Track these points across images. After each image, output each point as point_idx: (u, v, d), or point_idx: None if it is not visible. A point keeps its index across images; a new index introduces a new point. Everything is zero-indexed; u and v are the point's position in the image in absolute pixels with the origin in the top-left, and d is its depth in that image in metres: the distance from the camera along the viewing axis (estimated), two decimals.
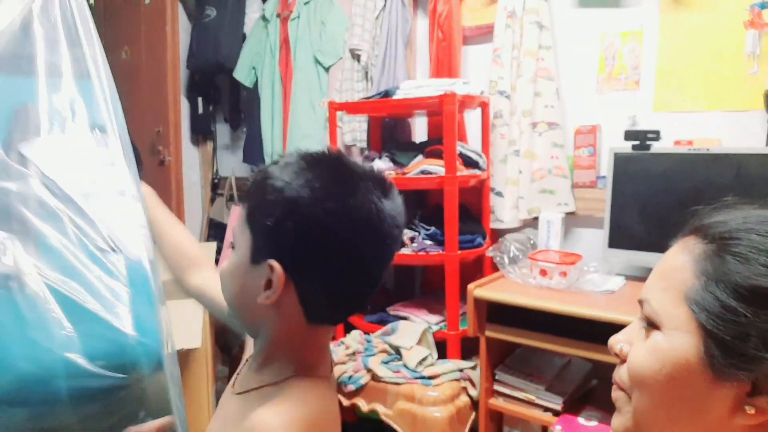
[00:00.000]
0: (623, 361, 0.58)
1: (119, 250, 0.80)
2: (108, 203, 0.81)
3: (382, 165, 2.15)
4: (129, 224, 0.80)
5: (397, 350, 2.03)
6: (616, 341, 0.60)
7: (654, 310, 0.55)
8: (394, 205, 0.72)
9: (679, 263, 0.55)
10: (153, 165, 3.13)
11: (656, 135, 1.92)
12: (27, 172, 0.77)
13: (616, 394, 0.59)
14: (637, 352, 0.56)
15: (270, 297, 0.70)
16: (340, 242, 0.68)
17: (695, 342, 0.51)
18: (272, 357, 0.76)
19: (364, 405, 1.97)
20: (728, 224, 0.54)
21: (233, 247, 0.75)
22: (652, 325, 0.55)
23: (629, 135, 1.96)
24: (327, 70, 2.70)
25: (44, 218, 0.76)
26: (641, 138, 1.93)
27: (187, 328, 1.71)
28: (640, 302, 0.58)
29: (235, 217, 3.02)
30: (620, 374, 0.58)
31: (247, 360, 0.84)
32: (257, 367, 0.78)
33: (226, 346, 2.69)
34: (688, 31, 1.97)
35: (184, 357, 1.72)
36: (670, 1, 1.99)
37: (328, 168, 0.71)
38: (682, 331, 0.52)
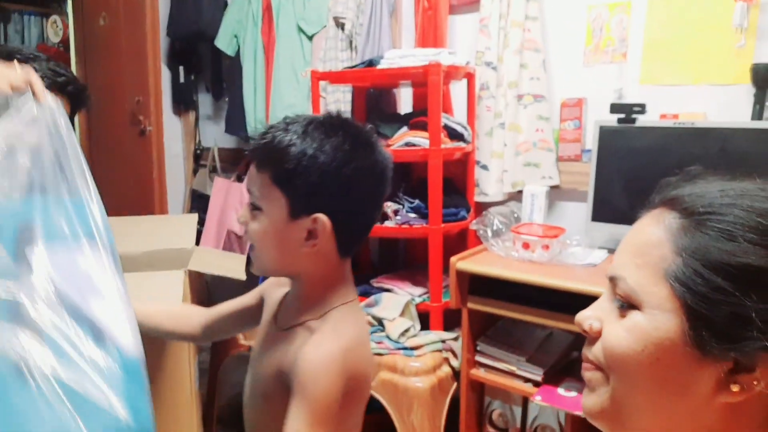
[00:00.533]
0: (594, 338, 0.56)
1: (112, 340, 0.86)
2: (102, 301, 0.89)
3: None
4: (120, 318, 0.88)
5: (380, 321, 2.03)
6: (584, 318, 0.57)
7: (632, 289, 0.52)
8: (387, 153, 0.90)
9: (655, 238, 0.52)
10: (133, 135, 3.07)
11: (642, 108, 1.91)
12: (32, 273, 0.86)
13: (590, 374, 0.56)
14: (614, 333, 0.53)
15: (317, 244, 0.85)
16: (368, 190, 0.87)
17: (678, 321, 0.49)
18: (311, 295, 0.90)
19: None
20: (706, 198, 0.51)
21: (257, 209, 0.86)
22: (628, 304, 0.53)
23: (615, 108, 1.95)
24: (310, 38, 2.64)
25: (45, 313, 0.84)
26: (627, 111, 1.92)
27: (166, 297, 1.70)
28: (612, 279, 0.55)
29: (221, 189, 2.99)
30: (594, 353, 0.56)
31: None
32: (299, 306, 0.91)
33: None
34: (677, 3, 1.94)
35: None
36: None
37: (347, 131, 0.85)
38: (664, 310, 0.50)
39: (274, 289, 1.02)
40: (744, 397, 0.47)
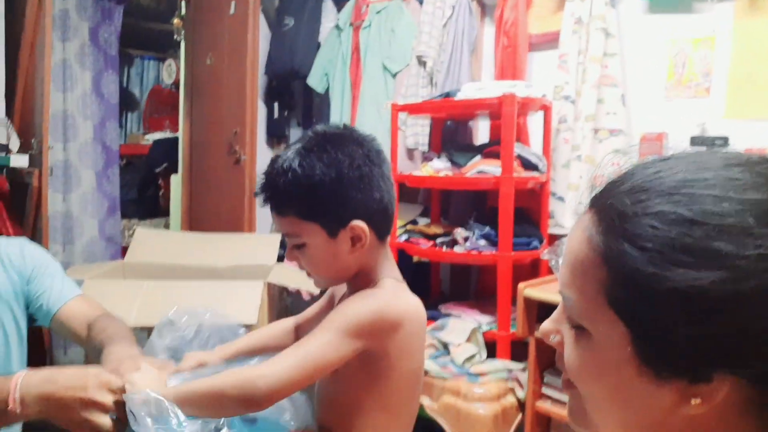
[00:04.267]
0: (562, 351, 0.53)
1: None
2: None
3: (439, 165, 2.19)
4: None
5: (446, 346, 2.04)
6: (546, 332, 0.54)
7: (576, 314, 0.48)
8: (365, 134, 0.98)
9: (584, 256, 0.47)
10: (229, 163, 3.32)
11: (724, 141, 1.86)
12: None
13: (565, 384, 0.53)
14: (570, 357, 0.50)
15: (364, 245, 0.92)
16: (375, 177, 0.93)
17: (626, 347, 0.45)
18: (363, 279, 0.96)
19: None
20: (629, 194, 0.45)
21: (300, 247, 0.94)
22: (578, 326, 0.49)
23: (695, 141, 1.91)
24: (394, 76, 2.78)
25: None
26: (708, 144, 1.88)
27: (245, 305, 1.81)
28: (561, 295, 0.51)
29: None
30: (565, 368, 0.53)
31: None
32: (353, 289, 0.98)
33: None
34: (763, 36, 1.90)
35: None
36: (745, 6, 1.94)
37: (325, 141, 0.93)
38: (611, 337, 0.46)
39: (341, 287, 1.09)
40: (707, 408, 0.43)
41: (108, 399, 0.84)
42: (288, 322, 1.20)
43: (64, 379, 0.85)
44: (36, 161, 2.69)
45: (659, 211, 0.43)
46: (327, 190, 0.89)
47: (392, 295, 0.94)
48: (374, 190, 0.93)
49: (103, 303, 1.86)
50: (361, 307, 0.89)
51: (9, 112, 2.73)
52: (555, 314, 0.53)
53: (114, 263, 2.37)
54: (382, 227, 0.96)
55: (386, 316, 0.90)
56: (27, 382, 0.84)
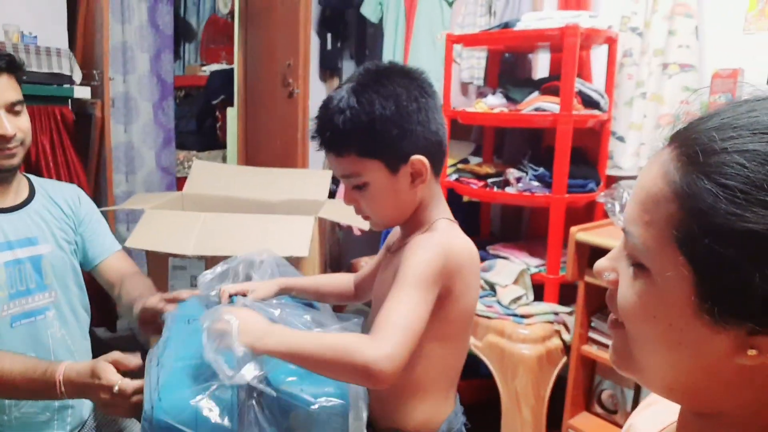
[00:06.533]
0: (614, 289, 0.51)
1: None
2: None
3: (494, 101, 2.11)
4: None
5: (492, 287, 2.04)
6: (601, 269, 0.52)
7: (639, 250, 0.47)
8: (416, 69, 0.98)
9: (659, 191, 0.45)
10: (283, 96, 3.32)
11: None
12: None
13: (612, 323, 0.53)
14: (625, 295, 0.49)
15: (424, 181, 0.94)
16: (429, 109, 0.93)
17: (687, 288, 0.44)
18: (418, 218, 0.98)
19: None
20: (718, 130, 0.43)
21: (361, 187, 0.94)
22: (638, 264, 0.47)
23: None
24: (451, 4, 2.66)
25: None
26: None
27: (297, 238, 1.85)
28: (624, 231, 0.50)
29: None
30: (614, 304, 0.51)
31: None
32: (407, 231, 1.00)
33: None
34: None
35: (294, 264, 1.87)
36: None
37: (379, 75, 0.93)
38: (673, 277, 0.44)
39: (392, 236, 1.11)
40: (762, 360, 0.42)
41: (115, 378, 1.03)
42: (349, 277, 1.23)
43: (86, 372, 1.07)
44: (98, 93, 2.77)
45: (750, 149, 0.41)
46: (387, 123, 0.89)
47: (451, 238, 0.95)
48: (431, 122, 0.93)
49: (163, 233, 1.95)
50: (427, 256, 0.90)
51: (72, 45, 2.80)
52: (613, 252, 0.52)
53: (173, 194, 2.45)
54: (438, 162, 0.96)
55: (451, 259, 0.91)
56: (68, 376, 1.08)
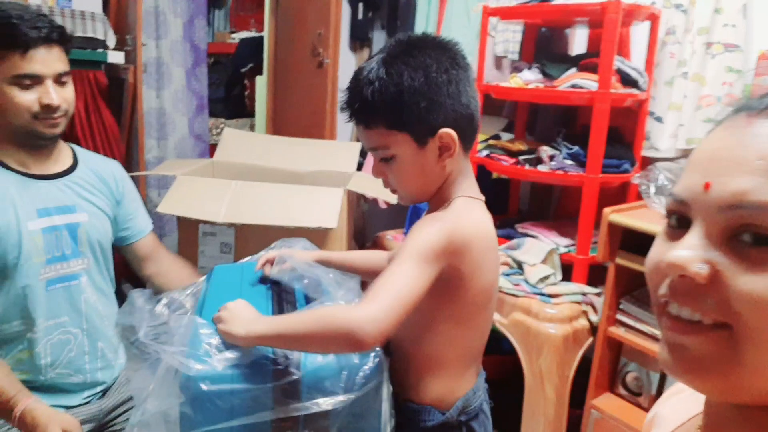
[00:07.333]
0: (697, 287, 0.43)
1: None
2: None
3: (529, 76, 2.07)
4: None
5: (520, 265, 2.03)
6: (689, 260, 0.43)
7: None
8: (447, 39, 0.97)
9: None
10: (313, 66, 3.29)
11: None
12: None
13: (704, 334, 0.44)
14: (755, 288, 0.40)
15: (452, 155, 0.93)
16: (458, 82, 0.92)
17: None
18: (441, 194, 0.97)
19: None
20: None
21: (389, 160, 0.93)
22: (762, 239, 0.40)
23: None
24: None
25: None
26: None
27: (326, 209, 1.86)
28: (731, 207, 0.42)
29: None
30: (712, 305, 0.43)
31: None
32: (430, 207, 1.00)
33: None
34: None
35: (322, 236, 1.88)
36: None
37: (410, 47, 0.91)
38: None
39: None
40: None
41: None
42: (383, 255, 1.23)
43: (40, 422, 1.15)
44: (131, 58, 2.78)
45: None
46: (416, 95, 0.88)
47: (460, 216, 0.93)
48: (461, 95, 0.91)
49: (194, 200, 1.97)
50: (429, 231, 0.89)
51: (105, 9, 2.80)
52: (696, 241, 0.44)
53: (204, 161, 2.47)
54: (468, 137, 0.95)
55: (454, 238, 0.89)
56: (23, 416, 1.17)
